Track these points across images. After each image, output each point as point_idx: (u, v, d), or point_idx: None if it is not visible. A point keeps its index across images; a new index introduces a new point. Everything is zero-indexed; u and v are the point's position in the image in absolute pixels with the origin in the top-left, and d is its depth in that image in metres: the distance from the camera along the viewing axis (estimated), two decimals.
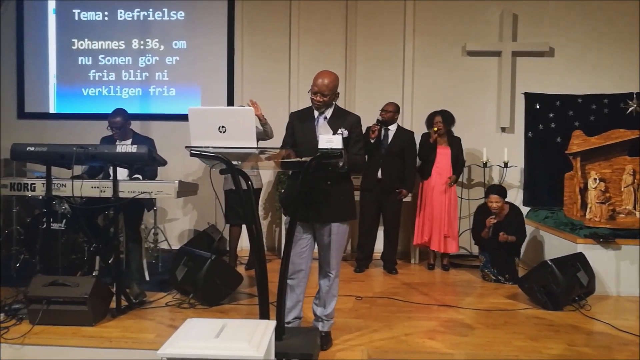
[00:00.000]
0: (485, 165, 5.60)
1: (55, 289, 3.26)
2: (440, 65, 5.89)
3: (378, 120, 4.87)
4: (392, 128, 5.02)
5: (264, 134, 4.75)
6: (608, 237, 4.26)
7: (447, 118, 5.07)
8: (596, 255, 4.20)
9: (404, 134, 5.07)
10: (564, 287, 3.75)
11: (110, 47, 6.12)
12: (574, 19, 5.79)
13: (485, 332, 3.35)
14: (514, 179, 5.79)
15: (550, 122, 5.79)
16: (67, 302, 3.23)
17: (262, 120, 4.74)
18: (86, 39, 6.14)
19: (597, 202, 4.78)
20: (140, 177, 3.91)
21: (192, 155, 2.64)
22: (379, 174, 4.94)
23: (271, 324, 2.30)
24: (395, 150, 4.98)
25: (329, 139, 2.58)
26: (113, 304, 3.52)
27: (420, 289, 4.43)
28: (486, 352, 3.02)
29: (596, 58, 5.79)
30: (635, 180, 4.80)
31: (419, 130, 5.46)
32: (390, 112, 4.98)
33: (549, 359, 2.96)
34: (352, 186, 2.98)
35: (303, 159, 2.67)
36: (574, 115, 5.74)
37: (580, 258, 4.06)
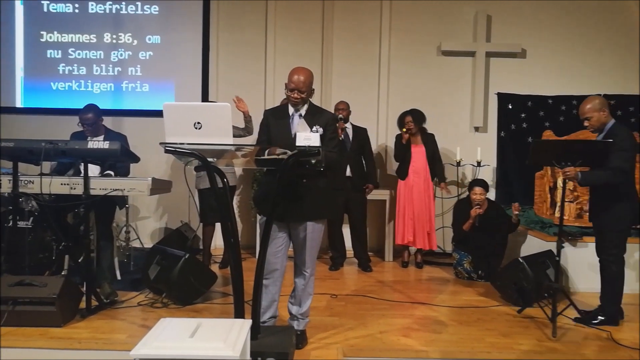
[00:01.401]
0: (458, 164, 5.68)
1: (22, 289, 3.17)
2: (415, 63, 5.94)
3: (340, 118, 4.89)
4: (348, 126, 5.05)
5: (245, 130, 4.72)
6: (576, 235, 4.37)
7: (418, 117, 5.10)
8: (565, 253, 4.30)
9: (360, 131, 5.10)
10: (534, 284, 3.82)
11: (80, 40, 5.96)
12: (546, 22, 5.92)
13: (458, 329, 3.40)
14: (486, 178, 5.84)
15: (522, 122, 5.91)
16: (35, 302, 3.14)
17: (247, 118, 4.71)
18: (55, 32, 5.96)
19: (566, 201, 4.90)
20: (112, 173, 3.82)
21: (166, 151, 2.60)
22: (348, 172, 4.96)
23: (246, 323, 2.28)
24: (358, 147, 5.03)
25: (307, 137, 2.58)
26: (83, 304, 3.43)
27: (395, 286, 4.47)
28: (459, 349, 3.07)
29: (566, 60, 5.93)
30: None
31: (394, 127, 5.49)
32: (347, 110, 4.99)
33: (520, 354, 3.02)
34: (329, 184, 2.97)
35: (280, 156, 2.65)
36: (544, 116, 5.88)
37: (549, 255, 4.15)
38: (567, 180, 4.87)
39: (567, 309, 3.45)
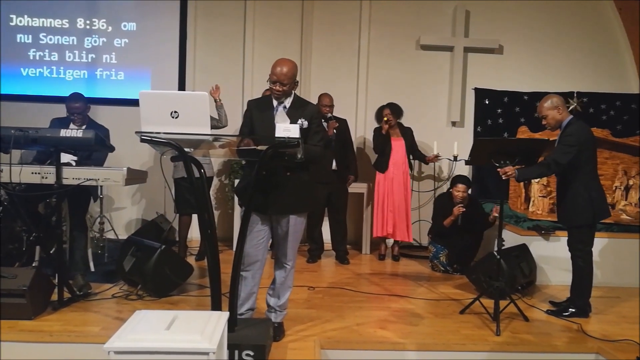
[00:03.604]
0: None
1: None
2: (394, 57, 5.95)
3: (330, 118, 4.87)
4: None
5: (217, 121, 4.65)
6: (549, 229, 4.46)
7: (395, 110, 5.11)
8: (538, 247, 4.40)
9: (341, 122, 5.08)
10: (508, 277, 3.89)
11: (52, 25, 5.77)
12: (522, 19, 6.00)
13: (434, 322, 3.44)
14: (462, 172, 5.91)
15: (498, 118, 5.99)
16: (4, 294, 3.05)
17: (218, 104, 4.64)
18: (26, 15, 5.76)
19: (540, 196, 5.01)
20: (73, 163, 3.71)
21: (142, 141, 2.54)
22: (334, 166, 4.96)
23: (224, 316, 2.26)
24: (340, 139, 5.02)
25: (286, 128, 2.55)
26: (55, 297, 3.35)
27: (372, 279, 4.49)
28: (435, 341, 3.10)
29: (542, 57, 6.02)
30: None
31: (372, 120, 5.50)
32: (332, 105, 4.97)
33: (494, 346, 3.07)
34: (311, 177, 2.96)
35: (259, 147, 2.62)
36: (520, 112, 5.97)
37: (523, 249, 4.24)
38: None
39: (507, 306, 3.46)
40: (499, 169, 3.35)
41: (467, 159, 3.61)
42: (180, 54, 5.82)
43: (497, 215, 4.54)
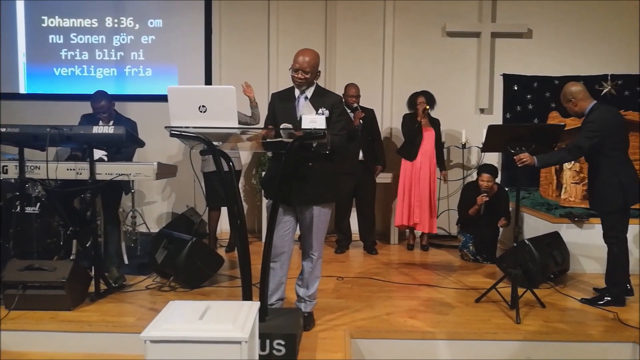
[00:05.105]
0: (464, 146, 5.65)
1: (31, 273, 3.20)
2: (420, 45, 5.87)
3: (356, 108, 4.84)
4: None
5: (252, 118, 4.72)
6: (582, 217, 4.36)
7: (430, 99, 5.05)
8: (571, 234, 4.30)
9: (368, 112, 5.04)
10: (540, 265, 3.83)
11: (82, 25, 5.92)
12: (552, 1, 5.82)
13: (464, 311, 3.41)
14: (492, 160, 5.84)
15: (528, 104, 5.85)
16: (44, 286, 3.17)
17: (253, 104, 4.71)
18: (57, 16, 5.92)
19: (572, 183, 4.89)
20: (105, 159, 3.81)
21: (171, 135, 2.59)
22: (361, 156, 4.95)
23: (255, 305, 2.29)
24: (367, 129, 4.99)
25: (312, 119, 2.56)
26: (92, 288, 3.47)
27: (400, 269, 4.49)
28: (466, 330, 3.08)
29: (572, 40, 5.85)
30: None
31: (399, 109, 5.46)
32: (359, 96, 4.94)
33: (526, 335, 3.03)
34: (335, 168, 2.96)
35: (285, 139, 2.64)
36: (550, 97, 5.81)
37: (555, 237, 4.16)
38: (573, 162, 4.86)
39: (524, 294, 3.39)
40: (514, 157, 3.29)
41: (480, 146, 3.55)
42: (206, 49, 5.89)
43: (504, 223, 4.60)
